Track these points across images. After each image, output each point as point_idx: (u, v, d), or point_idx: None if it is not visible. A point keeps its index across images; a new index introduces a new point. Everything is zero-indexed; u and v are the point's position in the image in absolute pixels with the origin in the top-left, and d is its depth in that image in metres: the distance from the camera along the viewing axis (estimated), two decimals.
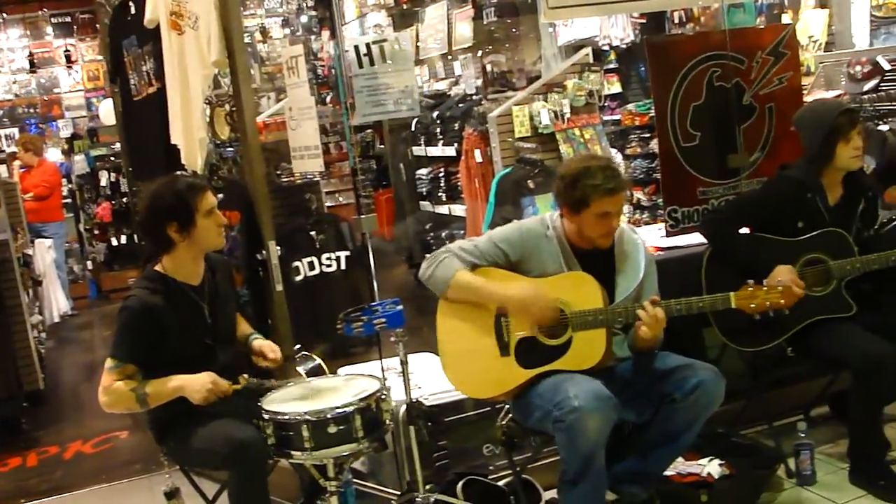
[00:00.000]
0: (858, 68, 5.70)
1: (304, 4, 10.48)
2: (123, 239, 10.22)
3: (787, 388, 4.17)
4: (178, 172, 4.24)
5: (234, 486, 2.97)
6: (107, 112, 9.89)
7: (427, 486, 3.36)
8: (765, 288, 3.09)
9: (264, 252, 3.88)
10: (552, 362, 3.12)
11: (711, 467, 3.55)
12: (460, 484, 3.47)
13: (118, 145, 8.53)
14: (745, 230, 3.79)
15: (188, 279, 3.17)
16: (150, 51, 4.68)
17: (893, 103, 5.31)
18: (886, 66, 5.58)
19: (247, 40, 8.75)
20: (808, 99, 4.89)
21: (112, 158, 10.18)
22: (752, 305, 3.09)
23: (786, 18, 6.59)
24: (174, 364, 3.04)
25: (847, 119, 3.62)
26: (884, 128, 5.02)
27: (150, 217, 3.11)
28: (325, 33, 10.24)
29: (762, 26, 6.20)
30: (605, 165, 3.19)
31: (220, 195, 4.08)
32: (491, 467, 3.74)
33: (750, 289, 3.09)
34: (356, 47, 4.13)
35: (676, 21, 7.02)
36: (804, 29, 6.46)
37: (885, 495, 3.49)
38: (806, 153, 3.74)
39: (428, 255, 3.32)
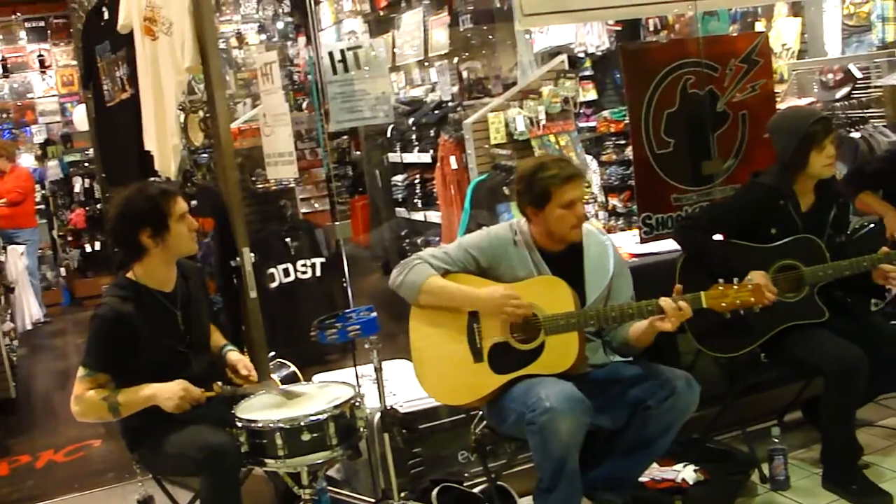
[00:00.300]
0: (830, 76, 5.77)
1: (280, 10, 10.45)
2: (97, 245, 10.13)
3: (761, 393, 4.19)
4: (152, 179, 4.21)
5: (208, 492, 2.94)
6: (80, 117, 9.79)
7: (402, 494, 3.36)
8: (735, 287, 3.10)
9: (238, 259, 3.85)
10: (525, 367, 3.12)
11: (686, 473, 3.57)
12: (435, 491, 3.46)
13: (92, 151, 8.47)
14: (718, 237, 3.81)
15: (160, 286, 3.15)
16: (124, 56, 4.64)
17: (865, 111, 5.37)
18: (858, 74, 5.66)
19: (222, 46, 8.72)
20: (781, 106, 4.93)
21: (86, 164, 10.10)
22: (723, 304, 3.09)
23: (759, 26, 6.64)
24: (147, 372, 3.02)
25: (821, 127, 3.63)
26: (855, 135, 5.07)
27: (123, 223, 3.09)
28: (302, 39, 10.22)
29: (735, 34, 6.25)
30: (558, 158, 3.27)
31: (194, 201, 4.07)
32: (466, 474, 3.74)
33: (720, 288, 3.10)
34: (330, 53, 4.11)
35: (651, 28, 7.07)
36: (777, 37, 6.52)
37: (858, 499, 3.51)
38: (779, 160, 3.76)
39: (400, 263, 3.31)
